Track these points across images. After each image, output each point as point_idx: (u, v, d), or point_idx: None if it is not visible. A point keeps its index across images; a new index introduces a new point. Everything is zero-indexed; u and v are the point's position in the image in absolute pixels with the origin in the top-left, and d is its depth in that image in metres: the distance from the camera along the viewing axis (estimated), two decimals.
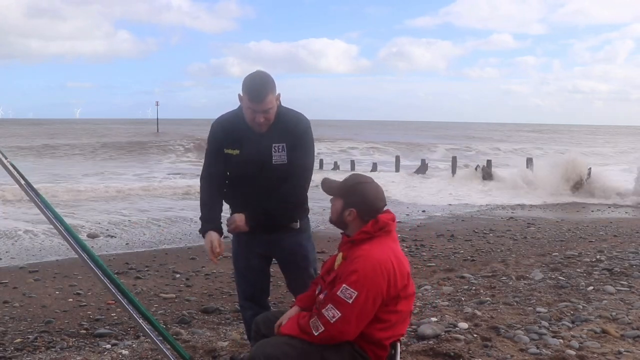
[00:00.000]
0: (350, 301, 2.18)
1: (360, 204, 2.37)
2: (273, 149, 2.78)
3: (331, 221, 2.52)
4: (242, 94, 2.73)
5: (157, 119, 68.58)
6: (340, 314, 2.18)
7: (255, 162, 2.79)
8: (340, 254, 2.41)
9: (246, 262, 3.04)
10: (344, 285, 2.20)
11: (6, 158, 2.49)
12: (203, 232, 2.93)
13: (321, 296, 2.40)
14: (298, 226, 2.95)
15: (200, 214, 2.97)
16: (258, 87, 2.67)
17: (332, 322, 2.20)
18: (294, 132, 2.80)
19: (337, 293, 2.20)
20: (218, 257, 2.90)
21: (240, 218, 2.83)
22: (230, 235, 3.05)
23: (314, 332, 2.24)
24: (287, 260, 3.02)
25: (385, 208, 2.46)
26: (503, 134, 79.54)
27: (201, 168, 3.03)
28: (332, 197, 2.48)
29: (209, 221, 2.93)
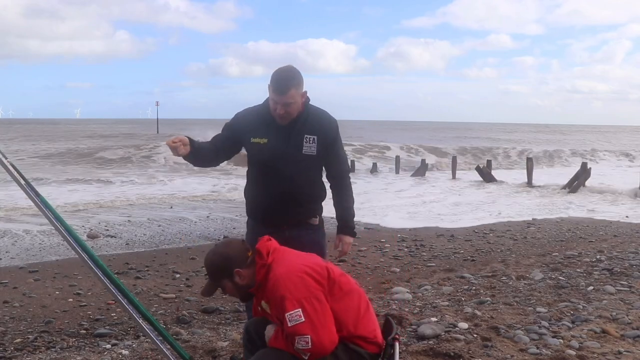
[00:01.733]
0: (303, 319, 2.18)
1: (232, 263, 2.36)
2: (304, 140, 2.89)
3: (248, 296, 2.45)
4: (269, 85, 2.84)
5: (157, 119, 68.11)
6: (308, 335, 2.18)
7: (284, 151, 2.88)
8: (263, 303, 2.41)
9: None
10: (286, 315, 2.20)
11: (6, 158, 2.49)
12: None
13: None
14: (317, 222, 3.01)
15: None
16: (283, 80, 2.79)
17: (310, 347, 2.19)
18: (327, 127, 2.96)
19: (289, 325, 2.20)
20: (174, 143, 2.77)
21: (182, 138, 2.79)
22: (242, 230, 3.12)
23: (304, 357, 2.23)
24: None
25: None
26: (526, 135, 77.34)
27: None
28: (219, 286, 2.43)
29: (193, 148, 2.84)
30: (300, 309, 2.18)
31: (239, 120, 2.99)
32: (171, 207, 14.02)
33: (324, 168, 3.07)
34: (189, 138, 2.81)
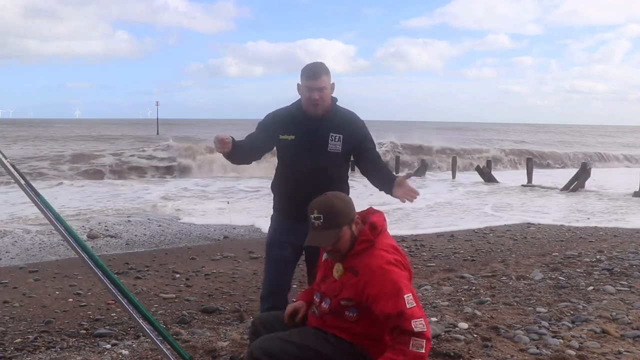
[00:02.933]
0: (415, 304, 2.23)
1: (351, 209, 2.40)
2: (330, 137, 3.03)
3: (344, 254, 2.37)
4: (300, 82, 3.01)
5: (157, 119, 67.50)
6: (421, 318, 2.22)
7: (311, 147, 3.01)
8: (340, 265, 2.39)
9: (280, 252, 3.14)
10: (404, 297, 2.21)
11: (6, 158, 2.49)
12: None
13: (324, 305, 2.39)
14: None
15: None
16: (315, 67, 2.99)
17: (425, 329, 2.20)
18: (353, 127, 3.10)
19: (407, 307, 2.19)
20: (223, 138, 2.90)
21: (227, 137, 2.90)
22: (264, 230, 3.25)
23: (422, 351, 2.19)
24: (318, 258, 3.08)
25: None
26: (534, 135, 76.29)
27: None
28: (338, 234, 2.33)
29: (238, 146, 3.00)
30: (411, 294, 2.25)
31: (270, 118, 3.13)
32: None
33: (357, 166, 3.21)
34: (231, 137, 2.95)
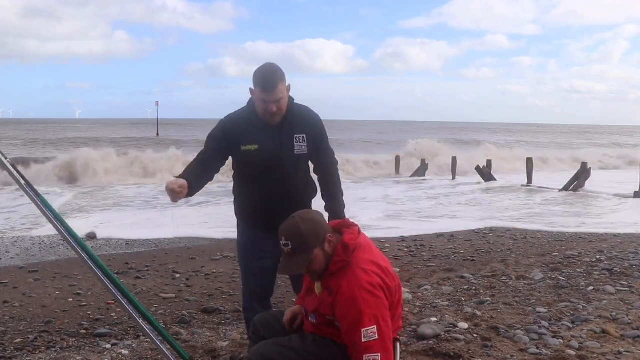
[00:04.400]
0: (377, 337, 2.18)
1: (321, 228, 2.31)
2: (295, 140, 2.87)
3: (320, 275, 2.33)
4: (253, 87, 2.80)
5: (157, 120, 66.99)
6: (378, 354, 2.17)
7: (276, 155, 2.84)
8: (319, 284, 2.36)
9: (260, 263, 2.99)
10: (362, 330, 2.17)
11: (6, 158, 2.49)
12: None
13: (311, 319, 2.40)
14: None
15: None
16: (269, 77, 2.74)
17: None
18: (314, 124, 2.95)
19: (363, 341, 2.17)
20: (174, 189, 2.66)
21: (180, 182, 2.66)
22: (233, 236, 3.08)
23: None
24: None
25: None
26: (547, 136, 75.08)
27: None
28: (309, 257, 2.29)
29: (185, 174, 2.77)
30: (375, 326, 2.18)
31: (225, 129, 2.90)
32: None
33: (311, 163, 3.04)
34: (186, 179, 2.70)
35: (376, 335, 2.17)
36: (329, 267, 2.30)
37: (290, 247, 2.27)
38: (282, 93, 2.76)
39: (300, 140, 2.88)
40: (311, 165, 3.09)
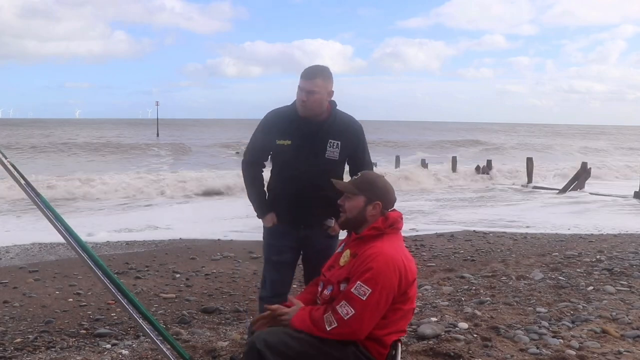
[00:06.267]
0: (364, 298, 2.20)
1: (384, 196, 2.43)
2: (328, 144, 2.98)
3: (346, 220, 2.48)
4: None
5: (157, 120, 66.63)
6: (353, 311, 2.20)
7: (307, 153, 2.96)
8: (348, 251, 2.42)
9: (279, 256, 3.13)
10: (358, 282, 2.22)
11: (6, 158, 2.49)
12: (261, 215, 3.15)
13: (326, 292, 2.41)
14: (332, 224, 3.05)
15: (253, 197, 3.18)
16: (311, 68, 2.94)
17: (345, 318, 2.21)
18: (352, 133, 3.05)
19: (352, 290, 2.22)
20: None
21: (273, 218, 3.09)
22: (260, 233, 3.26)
23: (326, 326, 2.24)
24: (315, 259, 3.09)
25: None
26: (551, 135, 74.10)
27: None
28: (347, 195, 2.48)
29: (262, 203, 3.15)
30: (371, 291, 2.20)
31: (267, 124, 3.09)
32: None
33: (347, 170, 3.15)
34: (270, 212, 3.13)
35: (365, 297, 2.19)
36: (364, 231, 2.39)
37: (357, 176, 2.51)
38: (318, 88, 2.88)
39: (334, 147, 2.99)
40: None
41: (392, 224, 2.39)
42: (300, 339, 2.28)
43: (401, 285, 2.27)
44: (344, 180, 2.63)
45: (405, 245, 2.50)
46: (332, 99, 3.02)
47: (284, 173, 3.07)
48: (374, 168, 3.32)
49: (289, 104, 3.08)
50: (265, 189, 3.22)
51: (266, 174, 3.20)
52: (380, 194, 2.43)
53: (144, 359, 3.65)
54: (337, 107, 3.07)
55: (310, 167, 2.97)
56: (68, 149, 38.26)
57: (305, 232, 3.07)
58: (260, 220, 3.21)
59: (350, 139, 3.04)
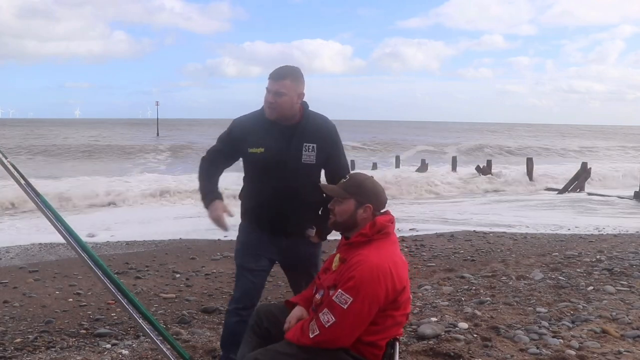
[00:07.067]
0: (345, 307, 2.16)
1: (374, 198, 2.39)
2: (304, 148, 2.82)
3: (336, 223, 2.43)
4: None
5: (157, 120, 66.68)
6: (334, 319, 2.17)
7: (282, 160, 2.80)
8: (338, 255, 2.40)
9: (255, 264, 2.95)
10: (339, 290, 2.19)
11: (6, 158, 2.49)
12: (207, 203, 2.88)
13: (317, 296, 2.40)
14: (314, 233, 2.92)
15: (200, 187, 2.96)
16: (280, 69, 2.79)
17: (326, 326, 2.18)
18: (326, 134, 2.89)
19: (334, 298, 2.19)
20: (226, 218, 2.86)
21: (222, 206, 2.83)
22: (228, 235, 3.07)
23: (309, 334, 2.22)
24: (298, 267, 3.01)
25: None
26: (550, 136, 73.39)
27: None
28: (337, 198, 2.42)
29: (211, 192, 2.92)
30: (352, 300, 2.16)
31: (232, 131, 2.91)
32: None
33: (322, 174, 3.00)
34: (219, 196, 2.86)
35: (346, 305, 2.16)
36: (352, 237, 2.36)
37: (345, 179, 2.47)
38: (287, 89, 2.73)
39: (310, 150, 2.83)
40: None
41: (380, 230, 2.32)
42: (293, 355, 2.26)
43: (388, 294, 2.21)
44: (328, 184, 2.59)
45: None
46: (305, 100, 2.86)
47: (259, 182, 2.89)
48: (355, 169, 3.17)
49: (257, 109, 2.90)
50: (239, 197, 3.05)
51: (239, 182, 3.01)
52: (370, 196, 2.39)
53: (144, 359, 3.65)
54: (310, 108, 2.90)
55: (287, 174, 2.80)
56: (67, 150, 38.15)
57: (286, 242, 2.92)
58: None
59: (326, 140, 2.87)
